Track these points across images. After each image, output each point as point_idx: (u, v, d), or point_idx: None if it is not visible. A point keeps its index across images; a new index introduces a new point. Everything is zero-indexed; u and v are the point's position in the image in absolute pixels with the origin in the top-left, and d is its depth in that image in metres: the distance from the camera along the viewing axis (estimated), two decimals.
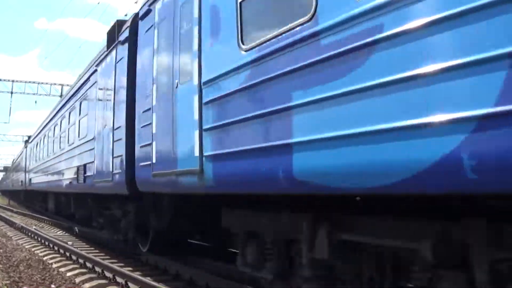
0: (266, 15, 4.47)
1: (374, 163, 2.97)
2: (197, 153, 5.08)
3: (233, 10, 4.58)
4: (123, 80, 8.13)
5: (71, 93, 14.48)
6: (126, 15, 8.70)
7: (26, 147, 30.30)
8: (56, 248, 10.78)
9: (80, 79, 13.07)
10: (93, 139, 10.04)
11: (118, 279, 6.98)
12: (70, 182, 12.42)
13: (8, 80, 37.64)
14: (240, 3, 4.51)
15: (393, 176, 2.85)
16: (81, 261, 8.72)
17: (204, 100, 5.05)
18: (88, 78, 11.42)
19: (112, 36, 9.12)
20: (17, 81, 37.86)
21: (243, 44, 4.43)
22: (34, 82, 38.24)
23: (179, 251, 8.46)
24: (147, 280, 6.51)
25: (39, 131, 23.43)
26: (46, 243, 11.84)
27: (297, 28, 3.70)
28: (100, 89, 9.93)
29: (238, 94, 4.47)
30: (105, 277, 7.34)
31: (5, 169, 68.08)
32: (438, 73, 2.59)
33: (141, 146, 7.01)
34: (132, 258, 9.28)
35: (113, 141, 8.38)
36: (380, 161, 2.93)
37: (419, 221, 3.36)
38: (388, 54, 2.90)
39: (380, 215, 3.67)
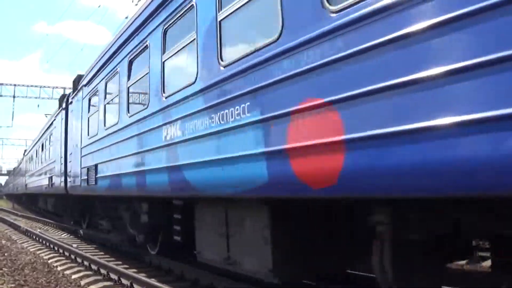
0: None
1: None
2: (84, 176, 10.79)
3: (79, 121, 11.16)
4: (63, 131, 14.44)
5: (45, 128, 21.36)
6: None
7: (23, 158, 37.54)
8: (61, 250, 10.81)
9: (48, 122, 20.40)
10: (54, 161, 16.41)
11: (124, 281, 6.99)
12: (45, 187, 19.02)
13: (10, 84, 37.78)
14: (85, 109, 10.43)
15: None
16: (86, 263, 8.73)
17: (83, 154, 11.02)
18: (51, 123, 18.49)
19: (61, 102, 15.84)
20: (19, 85, 38.00)
21: (88, 135, 9.99)
22: (36, 86, 38.35)
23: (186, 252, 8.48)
24: (152, 281, 6.52)
25: (31, 147, 30.96)
26: (51, 246, 11.87)
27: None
28: (56, 132, 16.58)
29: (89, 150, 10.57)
30: (110, 279, 7.35)
31: (9, 173, 68.38)
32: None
33: (69, 170, 13.05)
34: (137, 259, 9.29)
35: (61, 164, 14.45)
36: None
37: None
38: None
39: None
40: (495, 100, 2.34)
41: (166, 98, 6.21)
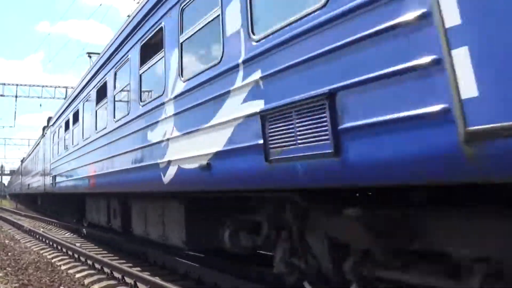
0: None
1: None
2: (51, 181, 17.46)
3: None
4: (43, 151, 21.23)
5: (37, 143, 28.19)
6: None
7: (21, 164, 45.65)
8: (64, 250, 10.82)
9: (38, 140, 27.10)
10: (38, 172, 23.90)
11: (127, 280, 6.98)
12: (36, 187, 25.15)
13: (13, 84, 37.76)
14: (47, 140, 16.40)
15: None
16: (89, 262, 8.74)
17: (51, 167, 17.75)
18: (38, 144, 26.15)
19: (45, 127, 21.82)
20: (21, 85, 37.94)
21: (52, 157, 17.24)
22: (38, 86, 38.30)
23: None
24: (156, 279, 6.51)
25: (27, 156, 38.06)
26: (54, 245, 11.89)
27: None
28: (40, 151, 23.71)
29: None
30: (114, 278, 7.34)
31: (11, 173, 68.72)
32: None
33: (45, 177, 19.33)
34: (140, 258, 9.30)
35: (42, 174, 20.92)
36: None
37: None
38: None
39: None
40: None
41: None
